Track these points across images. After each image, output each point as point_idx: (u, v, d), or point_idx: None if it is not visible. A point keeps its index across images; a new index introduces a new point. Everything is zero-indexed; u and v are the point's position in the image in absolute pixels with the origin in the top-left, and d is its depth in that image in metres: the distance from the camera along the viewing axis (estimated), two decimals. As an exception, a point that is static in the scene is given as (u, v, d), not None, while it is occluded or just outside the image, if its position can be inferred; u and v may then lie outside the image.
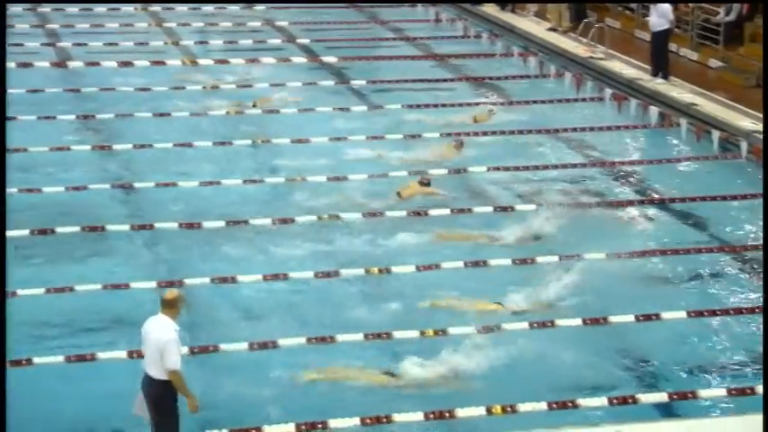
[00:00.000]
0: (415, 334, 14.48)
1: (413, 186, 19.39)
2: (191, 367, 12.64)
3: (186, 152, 21.26)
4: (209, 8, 32.98)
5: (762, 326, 12.81)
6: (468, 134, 22.32)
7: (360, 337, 14.43)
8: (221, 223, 17.91)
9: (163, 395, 11.18)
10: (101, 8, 31.89)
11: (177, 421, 11.33)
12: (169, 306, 11.28)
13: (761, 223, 18.17)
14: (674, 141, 22.56)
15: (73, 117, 23.03)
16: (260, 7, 33.44)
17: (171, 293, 11.42)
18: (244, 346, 14.16)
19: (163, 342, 11.03)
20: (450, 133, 22.30)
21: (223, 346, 14.12)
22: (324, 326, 14.85)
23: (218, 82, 25.66)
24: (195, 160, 20.96)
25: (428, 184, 19.39)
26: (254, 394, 13.16)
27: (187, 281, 15.82)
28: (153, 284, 15.65)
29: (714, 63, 27.04)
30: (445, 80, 26.58)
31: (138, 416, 11.53)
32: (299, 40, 29.93)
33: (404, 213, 18.47)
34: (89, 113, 23.31)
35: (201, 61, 27.40)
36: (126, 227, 17.81)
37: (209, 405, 12.30)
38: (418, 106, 24.32)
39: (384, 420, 12.51)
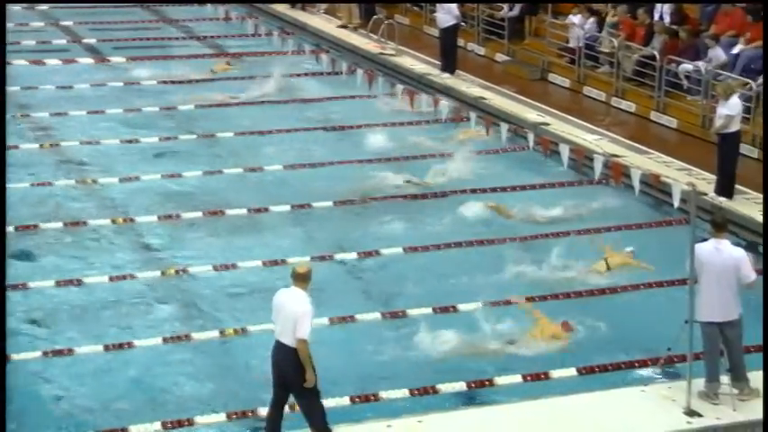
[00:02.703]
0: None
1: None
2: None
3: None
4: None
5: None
6: (261, 132, 22.34)
7: (158, 341, 14.25)
8: (10, 228, 17.35)
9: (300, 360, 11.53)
10: None
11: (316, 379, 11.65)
12: (303, 279, 11.67)
13: (546, 212, 18.71)
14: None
15: None
16: (43, 7, 32.53)
17: (302, 267, 11.81)
18: (37, 354, 13.78)
19: (300, 313, 11.44)
20: (244, 132, 22.28)
21: (14, 356, 13.71)
22: (121, 330, 14.59)
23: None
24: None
25: None
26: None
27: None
28: None
29: (500, 57, 27.72)
30: (236, 79, 26.40)
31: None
32: (84, 41, 29.26)
33: (200, 214, 18.30)
34: None
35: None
36: None
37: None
38: (210, 106, 24.13)
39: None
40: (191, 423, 12.41)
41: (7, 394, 12.74)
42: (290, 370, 11.54)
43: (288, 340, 11.52)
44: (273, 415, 11.78)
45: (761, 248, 16.61)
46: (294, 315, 11.46)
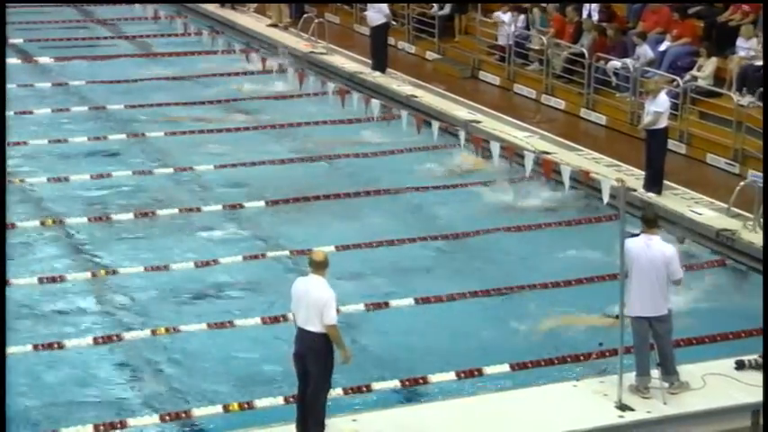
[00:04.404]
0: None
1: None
2: None
3: None
4: None
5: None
6: (197, 131, 22.29)
7: (89, 341, 14.10)
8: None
9: (325, 347, 11.73)
10: None
11: (332, 370, 11.92)
12: (321, 266, 11.81)
13: (478, 210, 18.83)
14: (397, 133, 22.97)
15: None
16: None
17: (319, 255, 11.92)
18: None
19: (325, 299, 11.61)
20: (175, 132, 22.16)
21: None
22: (51, 330, 14.45)
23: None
24: None
25: None
26: None
27: None
28: None
29: (431, 55, 27.80)
30: (167, 79, 26.22)
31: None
32: (11, 41, 28.87)
33: (130, 215, 18.17)
34: None
35: None
36: None
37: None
38: (142, 106, 23.96)
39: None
40: (123, 425, 12.30)
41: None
42: (313, 355, 11.69)
43: (313, 327, 11.65)
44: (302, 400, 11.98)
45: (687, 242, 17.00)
46: (320, 302, 11.58)
